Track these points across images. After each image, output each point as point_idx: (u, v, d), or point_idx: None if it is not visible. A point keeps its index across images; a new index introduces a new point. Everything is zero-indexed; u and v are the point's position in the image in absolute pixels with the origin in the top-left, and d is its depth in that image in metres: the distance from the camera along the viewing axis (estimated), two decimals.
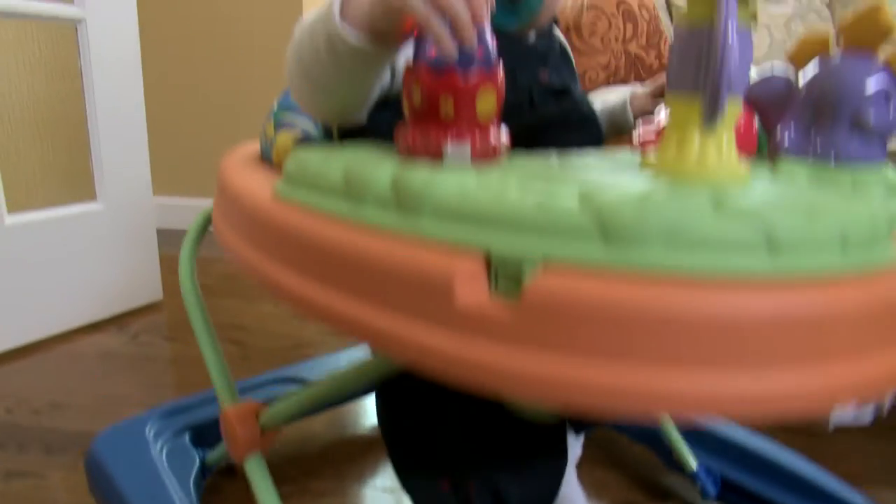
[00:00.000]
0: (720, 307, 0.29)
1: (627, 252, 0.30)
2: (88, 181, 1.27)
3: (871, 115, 0.43)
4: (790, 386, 0.30)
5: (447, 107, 0.36)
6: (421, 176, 0.35)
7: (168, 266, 1.53)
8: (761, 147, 0.50)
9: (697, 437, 0.86)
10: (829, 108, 0.44)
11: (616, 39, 1.48)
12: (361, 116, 0.49)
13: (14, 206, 1.16)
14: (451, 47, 0.35)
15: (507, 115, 0.55)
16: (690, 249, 0.30)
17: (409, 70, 0.37)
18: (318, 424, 1.00)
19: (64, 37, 1.20)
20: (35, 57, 1.18)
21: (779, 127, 0.47)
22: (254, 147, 0.66)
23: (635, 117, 0.64)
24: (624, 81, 1.54)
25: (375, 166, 0.38)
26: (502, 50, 0.55)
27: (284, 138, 0.56)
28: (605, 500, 0.80)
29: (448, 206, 0.33)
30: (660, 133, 0.50)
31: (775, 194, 0.35)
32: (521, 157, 0.43)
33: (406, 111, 0.38)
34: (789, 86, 0.48)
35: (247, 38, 1.82)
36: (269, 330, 1.32)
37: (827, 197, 0.36)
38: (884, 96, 0.43)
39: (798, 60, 0.48)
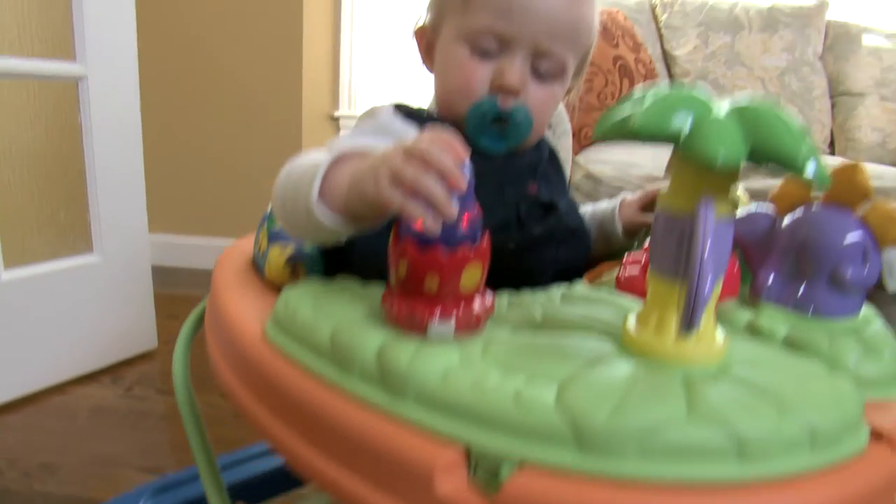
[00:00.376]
0: None
1: (601, 461, 0.31)
2: (86, 234, 1.28)
3: (849, 273, 0.44)
4: None
5: (432, 283, 0.37)
6: (405, 355, 0.36)
7: (163, 307, 1.54)
8: (745, 279, 0.51)
9: None
10: (808, 262, 0.46)
11: (612, 96, 1.49)
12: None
13: (11, 261, 1.17)
14: (433, 225, 0.36)
15: (495, 232, 0.56)
16: (663, 459, 0.31)
17: (395, 240, 0.38)
18: None
19: (65, 93, 1.22)
20: (36, 114, 1.19)
21: (761, 271, 0.48)
22: (248, 247, 0.66)
23: (624, 227, 0.65)
24: None
25: (362, 334, 0.39)
26: (491, 166, 0.57)
27: (276, 255, 0.57)
28: None
29: (430, 394, 0.35)
30: (645, 267, 0.51)
31: (749, 379, 0.36)
32: (505, 316, 0.44)
33: (391, 278, 0.39)
34: (772, 224, 0.49)
35: (245, 81, 1.84)
36: None
37: (800, 377, 0.37)
38: (861, 254, 0.45)
39: (780, 202, 0.50)
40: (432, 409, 0.34)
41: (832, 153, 1.81)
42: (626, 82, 1.52)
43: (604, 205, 0.68)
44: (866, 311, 0.50)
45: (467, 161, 0.38)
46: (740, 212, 0.51)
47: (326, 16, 1.88)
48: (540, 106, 0.57)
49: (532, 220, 0.57)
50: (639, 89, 0.37)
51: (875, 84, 1.79)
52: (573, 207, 0.62)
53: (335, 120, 1.94)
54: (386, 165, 0.38)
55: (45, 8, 1.17)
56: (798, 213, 0.48)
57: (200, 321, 0.68)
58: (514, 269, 0.55)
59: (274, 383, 0.43)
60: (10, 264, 1.17)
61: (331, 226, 0.42)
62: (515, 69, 0.55)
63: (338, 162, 0.43)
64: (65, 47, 1.20)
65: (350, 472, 0.37)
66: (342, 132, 0.48)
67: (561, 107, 1.33)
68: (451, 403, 0.34)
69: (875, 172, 1.41)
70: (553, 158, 0.64)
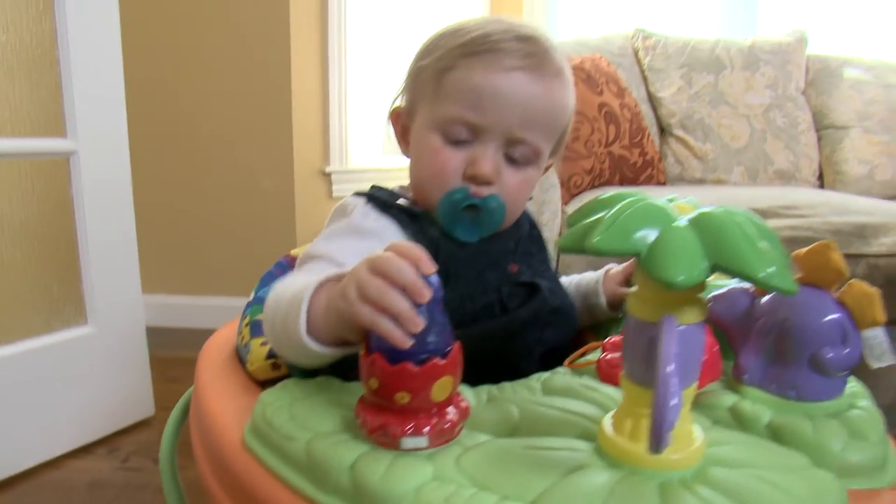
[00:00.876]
0: None
1: None
2: (80, 305, 1.28)
3: (829, 357, 0.44)
4: None
5: (403, 398, 0.37)
6: (377, 472, 0.36)
7: (160, 370, 1.53)
8: (726, 355, 0.51)
9: None
10: (788, 345, 0.45)
11: (599, 143, 1.51)
12: None
13: (5, 337, 1.17)
14: (402, 339, 0.36)
15: (478, 318, 0.56)
16: None
17: (366, 353, 0.38)
18: None
19: (56, 169, 1.23)
20: (28, 190, 1.21)
21: (743, 353, 0.48)
22: (232, 333, 0.66)
23: (608, 300, 0.65)
24: (608, 183, 1.57)
25: (336, 449, 0.39)
26: (469, 252, 0.57)
27: (258, 349, 0.57)
28: None
29: None
30: None
31: (726, 485, 0.35)
32: (482, 418, 0.44)
33: (364, 390, 0.39)
34: (751, 302, 0.49)
35: (236, 140, 1.86)
36: None
37: (781, 477, 0.36)
38: (840, 336, 0.44)
39: None
40: None
41: (821, 186, 1.82)
42: (612, 128, 1.54)
43: (588, 276, 0.68)
44: (853, 386, 0.49)
45: (434, 278, 0.38)
46: (720, 288, 0.51)
47: (315, 72, 1.91)
48: (514, 192, 0.57)
49: (515, 302, 0.57)
50: (608, 192, 0.37)
51: (858, 117, 1.80)
52: (556, 283, 0.62)
53: (327, 175, 1.95)
54: (353, 282, 0.38)
55: (36, 87, 1.19)
56: (776, 293, 0.48)
57: (186, 411, 0.67)
58: (500, 354, 0.55)
59: (250, 493, 0.43)
60: (3, 341, 1.16)
61: (325, 355, 0.43)
62: (488, 159, 0.55)
63: (318, 291, 0.43)
64: (55, 124, 1.21)
65: None
66: (325, 230, 0.49)
67: None
68: None
69: (866, 208, 1.42)
70: (533, 232, 0.64)
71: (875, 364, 0.45)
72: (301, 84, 1.85)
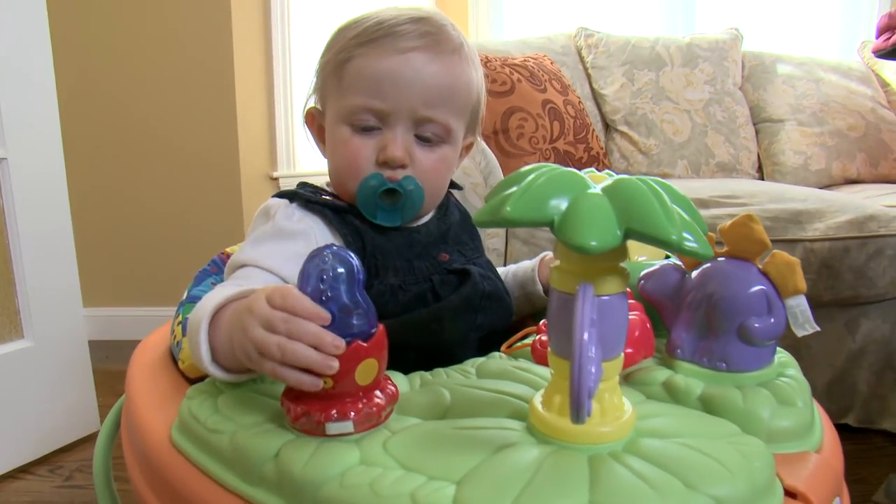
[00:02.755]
0: None
1: None
2: (15, 319, 1.23)
3: (755, 326, 0.45)
4: None
5: (327, 383, 0.36)
6: (300, 460, 0.35)
7: (104, 384, 1.48)
8: (660, 332, 0.51)
9: None
10: (716, 317, 0.46)
11: (543, 139, 1.52)
12: None
13: None
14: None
15: (412, 306, 0.55)
16: None
17: None
18: None
19: None
20: None
21: (675, 328, 0.49)
22: (166, 336, 0.64)
23: (544, 287, 0.66)
24: None
25: (260, 440, 0.37)
26: (398, 242, 0.57)
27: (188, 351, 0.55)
28: None
29: (327, 499, 0.33)
30: None
31: (655, 456, 0.35)
32: (413, 401, 0.43)
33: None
34: (681, 278, 0.50)
35: (179, 144, 1.82)
36: None
37: (710, 446, 0.37)
38: (765, 305, 0.45)
39: (688, 260, 0.50)
40: None
41: (761, 177, 1.88)
42: (556, 124, 1.56)
43: (525, 264, 0.68)
44: (781, 357, 0.50)
45: (356, 260, 0.37)
46: (651, 267, 0.52)
47: (260, 75, 1.88)
48: (430, 172, 0.57)
49: (447, 290, 0.56)
50: (526, 168, 0.37)
51: (791, 110, 1.87)
52: (490, 270, 0.62)
53: (274, 180, 1.92)
54: (251, 342, 0.37)
55: None
56: (704, 266, 0.49)
57: (118, 422, 0.65)
58: (434, 341, 0.54)
59: (177, 490, 0.41)
60: None
61: (233, 380, 0.44)
62: (397, 142, 0.55)
63: (216, 321, 0.43)
64: None
65: None
66: (250, 235, 0.48)
67: (493, 157, 1.35)
68: None
69: (801, 196, 1.46)
70: (465, 222, 0.64)
71: (799, 332, 0.46)
72: (245, 88, 1.82)
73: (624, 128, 1.83)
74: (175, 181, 1.82)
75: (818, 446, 0.43)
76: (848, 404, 1.40)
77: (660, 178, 0.36)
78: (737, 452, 0.37)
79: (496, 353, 0.52)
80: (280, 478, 0.35)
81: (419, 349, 0.51)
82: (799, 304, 0.45)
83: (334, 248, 0.38)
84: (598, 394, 0.37)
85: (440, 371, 0.48)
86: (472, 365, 0.49)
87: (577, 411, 0.30)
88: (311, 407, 0.37)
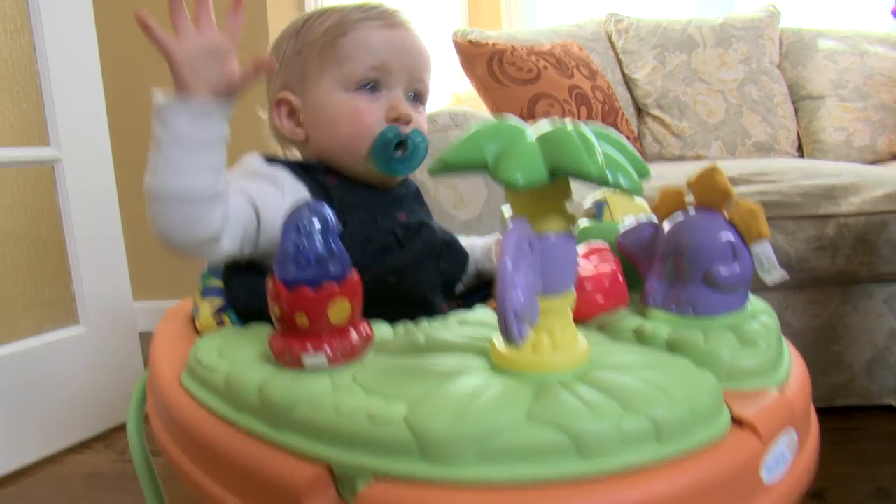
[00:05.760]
0: None
1: (442, 467, 0.33)
2: (71, 307, 1.33)
3: (720, 272, 0.46)
4: None
5: (302, 320, 0.40)
6: (280, 388, 0.39)
7: None
8: (638, 288, 0.53)
9: None
10: (684, 264, 0.48)
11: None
12: (219, 247, 0.53)
13: (0, 339, 1.21)
14: None
15: (380, 256, 0.59)
16: (501, 461, 0.33)
17: (271, 287, 0.42)
18: None
19: (42, 177, 1.28)
20: (15, 199, 1.25)
21: (647, 279, 0.51)
22: (189, 306, 0.70)
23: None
24: None
25: (248, 373, 0.42)
26: (361, 198, 0.61)
27: (205, 309, 0.60)
28: None
29: (299, 420, 0.37)
30: None
31: (601, 382, 0.38)
32: (390, 344, 0.47)
33: (273, 318, 0.43)
34: (655, 233, 0.52)
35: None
36: None
37: (658, 375, 0.39)
38: (730, 252, 0.47)
39: (660, 211, 0.52)
40: (301, 434, 0.37)
41: (801, 156, 1.83)
42: (583, 109, 1.56)
43: (478, 242, 0.71)
44: (758, 305, 0.52)
45: (329, 211, 0.41)
46: (629, 223, 0.54)
47: None
48: (424, 128, 0.64)
49: (410, 241, 0.60)
50: (472, 124, 0.40)
51: (833, 86, 1.81)
52: (442, 229, 0.66)
53: None
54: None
55: (17, 100, 1.24)
56: (674, 218, 0.51)
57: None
58: (405, 288, 0.58)
59: (185, 427, 0.46)
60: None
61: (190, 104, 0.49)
62: (404, 100, 0.62)
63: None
64: (39, 134, 1.26)
65: (235, 495, 0.40)
66: None
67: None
68: (316, 427, 0.37)
69: (835, 171, 1.43)
70: (418, 194, 0.69)
71: (767, 278, 0.48)
72: None
73: (656, 111, 1.81)
74: None
75: (782, 382, 0.44)
76: (890, 384, 1.36)
77: (606, 130, 0.39)
78: (682, 383, 0.39)
79: (480, 306, 0.55)
80: (262, 404, 0.40)
81: (394, 300, 0.55)
82: (763, 250, 0.47)
83: (311, 203, 0.42)
84: (550, 328, 0.39)
85: (423, 320, 0.52)
86: (454, 316, 0.52)
87: (506, 331, 0.33)
88: (290, 343, 0.41)
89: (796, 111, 1.85)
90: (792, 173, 1.40)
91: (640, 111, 1.85)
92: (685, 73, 1.83)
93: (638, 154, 0.38)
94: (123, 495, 1.16)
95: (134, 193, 1.79)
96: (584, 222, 0.62)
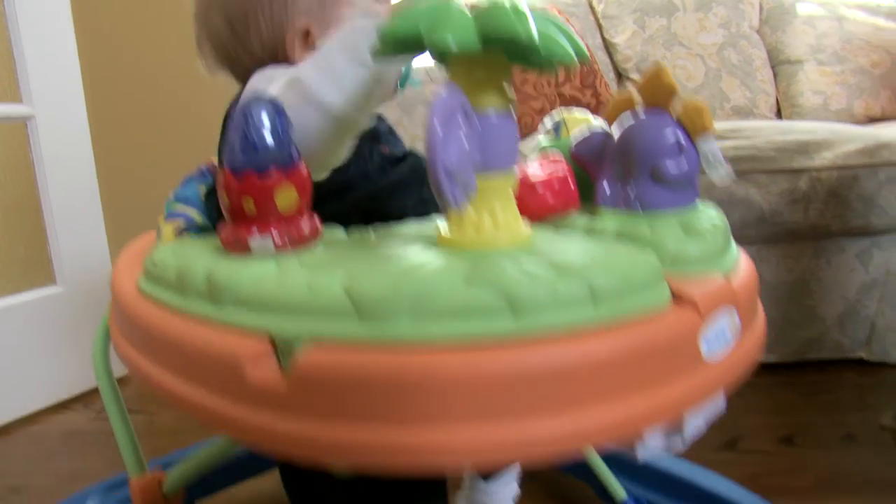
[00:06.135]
0: (463, 369, 0.33)
1: (378, 326, 0.33)
2: (47, 267, 1.33)
3: (666, 168, 0.47)
4: (542, 433, 0.33)
5: (249, 206, 0.40)
6: (227, 271, 0.40)
7: None
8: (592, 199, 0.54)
9: (627, 468, 0.88)
10: (631, 162, 0.49)
11: (549, 84, 1.54)
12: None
13: None
14: None
15: (361, 183, 0.59)
16: (436, 319, 0.34)
17: (220, 177, 0.42)
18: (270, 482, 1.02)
19: (15, 134, 1.27)
20: None
21: (598, 181, 0.51)
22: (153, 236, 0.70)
23: None
24: None
25: (198, 264, 0.42)
26: None
27: (167, 229, 0.60)
28: None
29: (243, 297, 0.38)
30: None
31: (539, 255, 0.38)
32: (334, 238, 0.47)
33: (223, 210, 0.43)
34: (606, 138, 0.53)
35: (198, 101, 1.89)
36: None
37: (598, 252, 0.40)
38: (676, 149, 0.48)
39: (611, 118, 0.53)
40: (243, 307, 0.38)
41: (780, 120, 1.85)
42: (561, 71, 1.57)
43: None
44: (709, 209, 0.52)
45: (279, 107, 0.41)
46: (581, 133, 0.55)
47: None
48: None
49: (392, 167, 0.60)
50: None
51: (811, 50, 1.83)
52: (422, 160, 0.66)
53: None
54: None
55: None
56: (623, 120, 0.51)
57: None
58: (388, 212, 0.58)
59: (136, 322, 0.46)
60: None
61: None
62: None
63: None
64: (10, 90, 1.25)
65: (189, 383, 0.40)
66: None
67: None
68: (258, 300, 0.37)
69: (809, 128, 1.44)
70: (392, 130, 0.68)
71: (714, 175, 0.48)
72: None
73: (636, 76, 1.82)
74: (196, 137, 1.88)
75: (728, 270, 0.45)
76: (861, 337, 1.38)
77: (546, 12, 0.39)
78: (622, 258, 0.40)
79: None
80: (210, 289, 0.40)
81: (377, 220, 0.55)
82: (709, 146, 0.47)
83: (260, 93, 0.42)
84: (491, 208, 0.40)
85: (380, 226, 0.52)
86: (415, 224, 0.53)
87: (439, 192, 0.34)
88: (239, 230, 0.41)
89: (775, 76, 1.87)
90: (766, 130, 1.42)
91: (620, 76, 1.86)
92: (665, 37, 1.83)
93: (579, 39, 0.39)
94: (100, 450, 1.16)
95: (111, 151, 1.77)
96: (542, 140, 0.62)
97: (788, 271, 1.36)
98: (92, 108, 1.36)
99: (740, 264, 0.48)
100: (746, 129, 1.42)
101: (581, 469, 0.91)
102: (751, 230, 1.30)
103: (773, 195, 1.29)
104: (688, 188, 0.49)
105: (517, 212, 0.41)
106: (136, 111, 1.88)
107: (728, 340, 0.41)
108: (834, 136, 1.37)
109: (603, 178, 0.51)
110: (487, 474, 0.74)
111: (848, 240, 1.34)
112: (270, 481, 1.00)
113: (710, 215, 0.50)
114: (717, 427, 1.19)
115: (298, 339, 0.35)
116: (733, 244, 0.50)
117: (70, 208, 1.34)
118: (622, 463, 0.89)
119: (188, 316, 0.41)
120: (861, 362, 1.39)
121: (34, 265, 1.32)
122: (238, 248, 0.41)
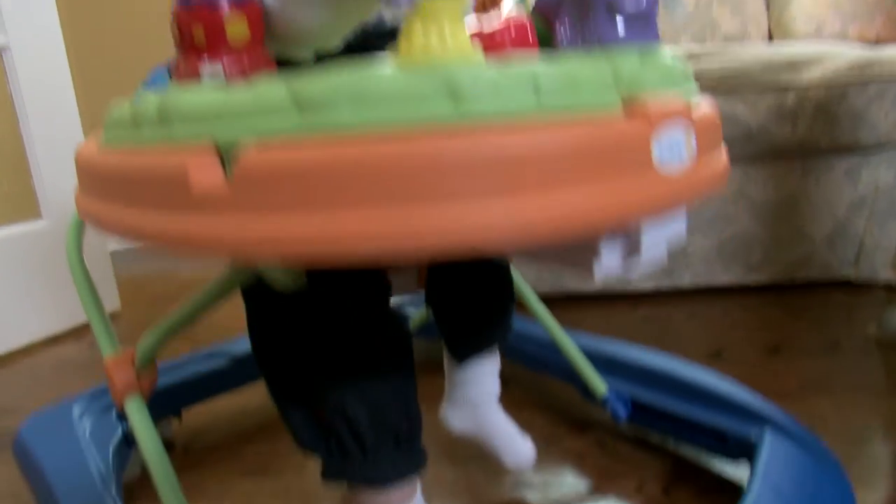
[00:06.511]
0: (403, 154, 0.32)
1: (317, 116, 0.33)
2: (32, 201, 1.33)
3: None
4: (480, 219, 0.33)
5: (199, 36, 0.40)
6: (176, 97, 0.39)
7: (124, 283, 1.58)
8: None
9: (608, 363, 0.89)
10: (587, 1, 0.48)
11: None
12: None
13: None
14: None
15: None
16: (375, 105, 0.33)
17: (171, 16, 0.41)
18: (256, 396, 1.03)
19: None
20: None
21: (556, 25, 0.51)
22: None
23: None
24: None
25: (150, 99, 0.42)
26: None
27: None
28: (533, 436, 0.82)
29: (191, 114, 0.37)
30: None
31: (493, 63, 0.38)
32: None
33: (175, 46, 0.42)
34: None
35: None
36: (220, 325, 1.36)
37: (554, 62, 0.39)
38: None
39: None
40: (188, 121, 0.37)
41: None
42: None
43: None
44: (671, 53, 0.51)
45: None
46: None
47: None
48: None
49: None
50: None
51: None
52: None
53: None
54: None
55: None
56: None
57: None
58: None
59: (93, 171, 0.46)
60: None
61: None
62: None
63: None
64: None
65: (142, 210, 0.40)
66: None
67: None
68: (204, 114, 0.37)
69: (799, 47, 1.42)
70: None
71: (672, 11, 0.48)
72: None
73: None
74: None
75: (689, 99, 0.44)
76: (849, 256, 1.38)
77: None
78: (572, 63, 0.39)
79: None
80: (160, 115, 0.40)
81: None
82: None
83: None
84: (440, 30, 0.39)
85: None
86: None
87: None
88: (188, 59, 0.41)
89: (767, 2, 1.83)
90: (753, 48, 1.40)
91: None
92: None
93: None
94: (90, 378, 1.18)
95: (92, 83, 1.76)
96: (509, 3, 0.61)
97: (776, 190, 1.35)
98: (69, 35, 1.35)
99: (702, 101, 0.48)
100: (734, 49, 1.40)
101: (564, 369, 0.91)
102: (738, 148, 1.29)
103: (760, 111, 1.28)
104: (646, 25, 0.48)
105: (468, 37, 0.41)
106: (116, 36, 1.84)
107: (682, 156, 0.41)
108: (824, 53, 1.35)
109: (561, 24, 0.50)
110: (462, 355, 0.74)
111: (837, 157, 1.33)
112: (255, 395, 1.02)
113: (671, 54, 0.49)
114: (700, 338, 1.22)
115: (241, 140, 0.34)
116: (694, 83, 0.49)
117: (53, 140, 1.33)
118: (605, 360, 0.89)
119: (140, 147, 0.41)
120: (848, 284, 1.40)
121: (19, 199, 1.32)
122: (189, 75, 0.41)
